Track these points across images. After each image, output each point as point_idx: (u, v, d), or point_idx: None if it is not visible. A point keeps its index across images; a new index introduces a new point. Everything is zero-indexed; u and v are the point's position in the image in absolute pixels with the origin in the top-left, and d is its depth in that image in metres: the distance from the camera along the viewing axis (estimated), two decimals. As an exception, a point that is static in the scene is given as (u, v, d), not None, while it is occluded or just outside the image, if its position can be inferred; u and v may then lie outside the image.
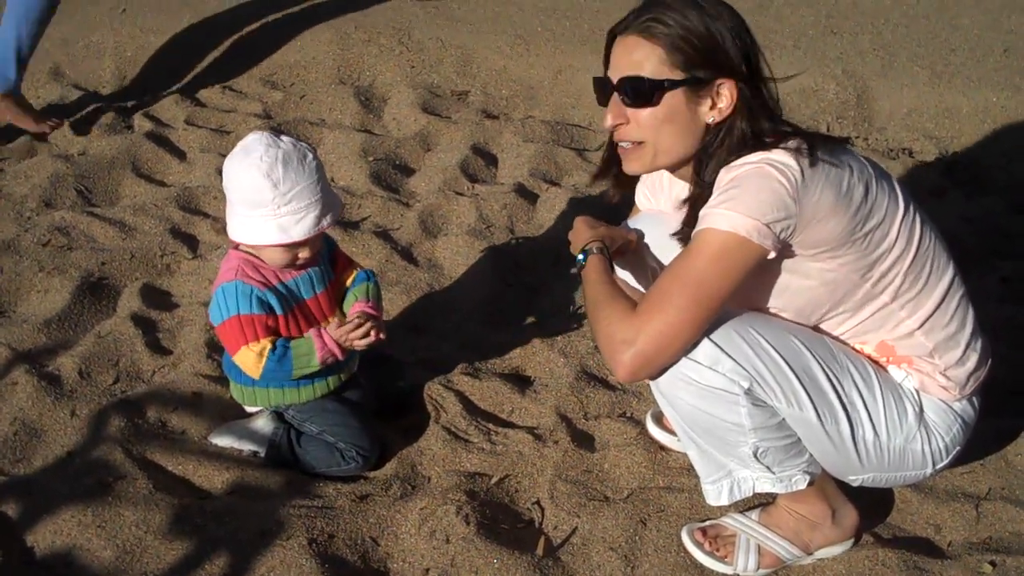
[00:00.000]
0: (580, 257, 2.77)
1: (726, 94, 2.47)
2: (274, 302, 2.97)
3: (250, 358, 2.94)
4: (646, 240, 2.97)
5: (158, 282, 4.01)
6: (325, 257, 3.16)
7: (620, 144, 2.61)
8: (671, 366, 2.48)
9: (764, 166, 2.38)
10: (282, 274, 3.02)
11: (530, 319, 3.88)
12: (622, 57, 2.52)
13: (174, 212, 4.38)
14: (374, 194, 4.51)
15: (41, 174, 4.59)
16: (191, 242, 4.25)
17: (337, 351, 3.01)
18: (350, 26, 5.71)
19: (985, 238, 4.24)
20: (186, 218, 4.36)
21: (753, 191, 2.36)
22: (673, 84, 2.46)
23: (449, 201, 4.48)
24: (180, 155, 4.87)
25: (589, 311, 2.60)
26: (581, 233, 2.84)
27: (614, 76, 2.53)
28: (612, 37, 2.57)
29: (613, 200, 2.92)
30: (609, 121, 2.56)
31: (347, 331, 2.99)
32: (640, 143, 2.55)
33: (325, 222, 2.94)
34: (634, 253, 2.97)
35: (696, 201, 2.53)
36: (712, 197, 2.44)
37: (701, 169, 2.53)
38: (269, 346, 2.94)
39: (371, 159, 4.76)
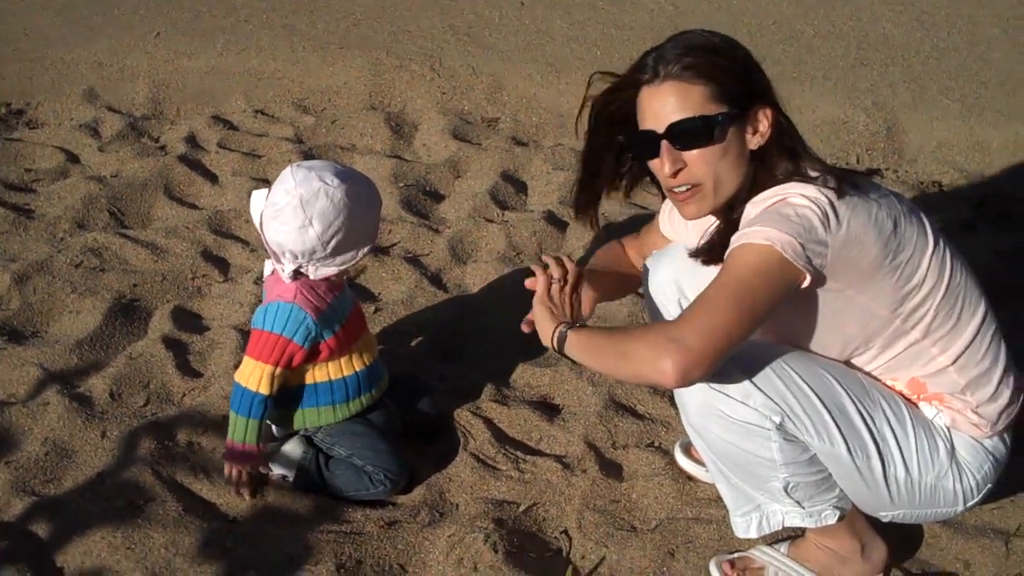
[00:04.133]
0: (557, 346, 2.61)
1: (763, 119, 2.51)
2: (328, 326, 3.04)
3: (256, 376, 2.99)
4: (674, 275, 2.94)
5: (189, 304, 4.03)
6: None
7: (675, 190, 2.56)
8: (714, 372, 2.38)
9: (790, 197, 2.41)
10: (329, 292, 3.08)
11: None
12: (664, 104, 2.48)
13: (205, 235, 4.41)
14: (404, 220, 4.52)
15: (74, 195, 4.62)
16: (222, 265, 4.28)
17: (239, 464, 3.09)
18: (382, 52, 5.74)
19: (1018, 273, 4.21)
20: (217, 241, 4.39)
21: (783, 218, 2.37)
22: (727, 117, 2.47)
23: (479, 228, 4.50)
24: (212, 178, 4.90)
25: (606, 360, 2.48)
26: (544, 326, 2.66)
27: (658, 126, 2.50)
28: (636, 89, 2.54)
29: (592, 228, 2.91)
30: (668, 169, 2.51)
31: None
32: (697, 186, 2.53)
33: None
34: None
35: (723, 230, 2.55)
36: (741, 227, 2.45)
37: (736, 199, 2.54)
38: (269, 392, 2.99)
39: (401, 185, 4.78)
